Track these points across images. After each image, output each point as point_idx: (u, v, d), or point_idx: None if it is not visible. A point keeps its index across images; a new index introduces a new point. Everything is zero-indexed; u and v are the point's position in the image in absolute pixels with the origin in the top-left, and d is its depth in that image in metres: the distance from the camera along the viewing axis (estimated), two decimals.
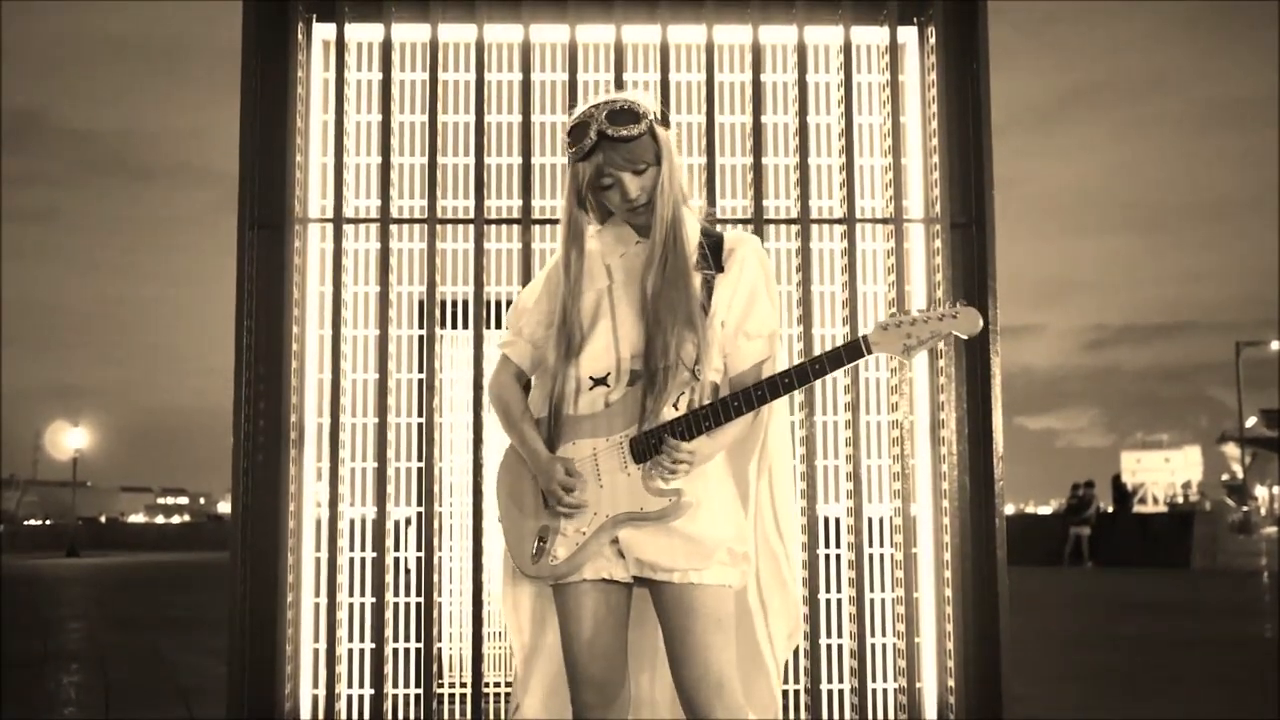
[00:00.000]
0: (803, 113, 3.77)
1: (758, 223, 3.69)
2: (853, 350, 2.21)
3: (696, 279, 2.24)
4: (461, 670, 4.02)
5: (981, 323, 2.20)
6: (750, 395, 2.19)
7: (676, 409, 2.22)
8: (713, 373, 2.27)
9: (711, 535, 2.20)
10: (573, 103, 3.71)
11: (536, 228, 3.71)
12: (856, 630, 3.61)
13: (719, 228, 2.40)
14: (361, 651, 3.72)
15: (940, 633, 3.62)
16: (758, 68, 3.76)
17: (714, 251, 2.29)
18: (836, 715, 3.68)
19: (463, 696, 3.74)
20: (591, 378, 2.26)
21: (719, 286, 2.27)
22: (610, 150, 2.20)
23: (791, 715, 3.62)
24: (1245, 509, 24.88)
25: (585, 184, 2.25)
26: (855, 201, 3.75)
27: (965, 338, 2.22)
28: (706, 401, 2.23)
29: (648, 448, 2.19)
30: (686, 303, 2.21)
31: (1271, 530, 21.66)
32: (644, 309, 2.23)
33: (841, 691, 3.70)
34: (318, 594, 3.63)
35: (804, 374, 2.20)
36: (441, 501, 3.94)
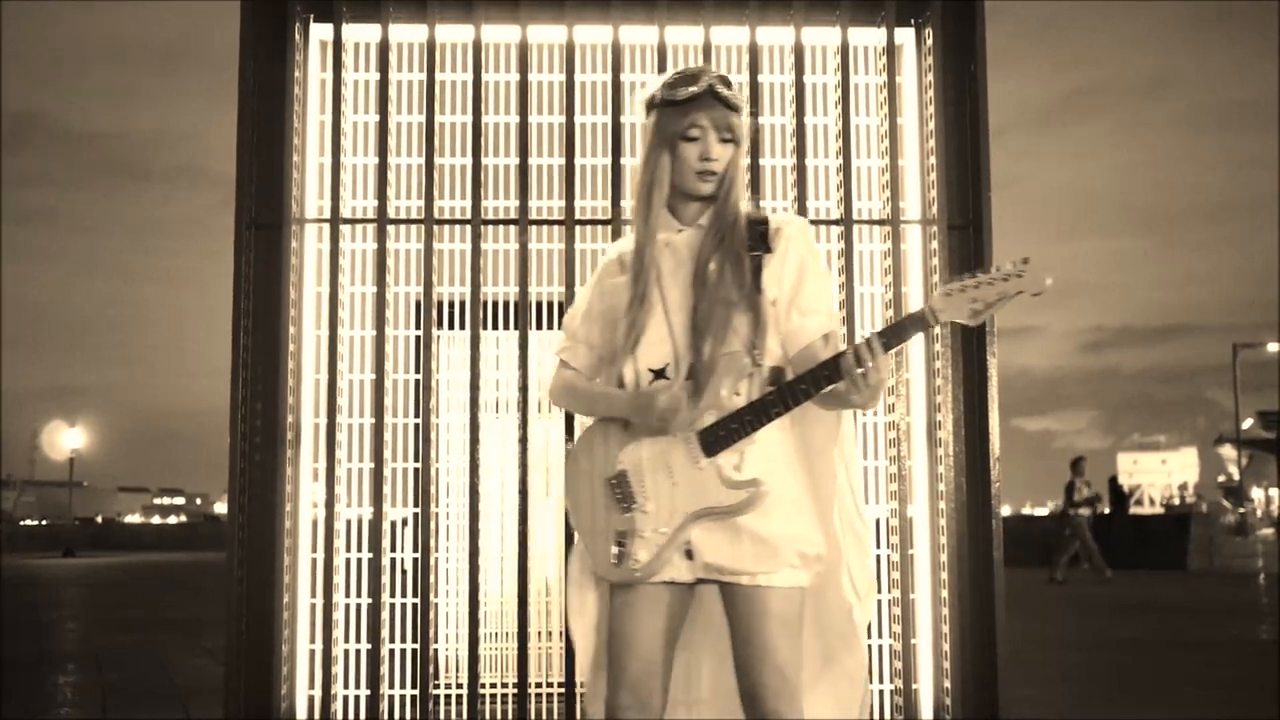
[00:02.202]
0: (800, 114, 3.77)
1: None
2: (917, 320, 2.12)
3: (748, 261, 2.23)
4: (458, 671, 4.01)
5: (1049, 280, 2.06)
6: (818, 375, 2.12)
7: (739, 396, 2.17)
8: (769, 357, 2.22)
9: (783, 535, 2.16)
10: (570, 104, 3.71)
11: (533, 228, 3.71)
12: None
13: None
14: (358, 652, 3.72)
15: (937, 634, 3.62)
16: (755, 69, 3.76)
17: (761, 234, 2.27)
18: None
19: (459, 697, 3.74)
20: (650, 370, 2.23)
21: (767, 266, 2.24)
22: (711, 108, 2.22)
23: None
24: (1242, 511, 24.87)
25: (678, 132, 2.22)
26: (852, 203, 3.75)
27: (1034, 296, 2.07)
28: (768, 387, 2.19)
29: (716, 440, 2.15)
30: (741, 280, 2.19)
31: (1268, 532, 21.66)
32: (697, 289, 2.20)
33: None
34: (314, 594, 3.63)
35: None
36: (438, 502, 3.93)
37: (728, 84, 2.26)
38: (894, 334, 2.13)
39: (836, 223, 3.77)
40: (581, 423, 2.94)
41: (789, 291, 2.24)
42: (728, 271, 2.20)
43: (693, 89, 2.22)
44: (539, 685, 3.93)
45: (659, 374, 2.22)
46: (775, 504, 2.16)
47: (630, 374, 2.24)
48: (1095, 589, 13.77)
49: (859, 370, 2.08)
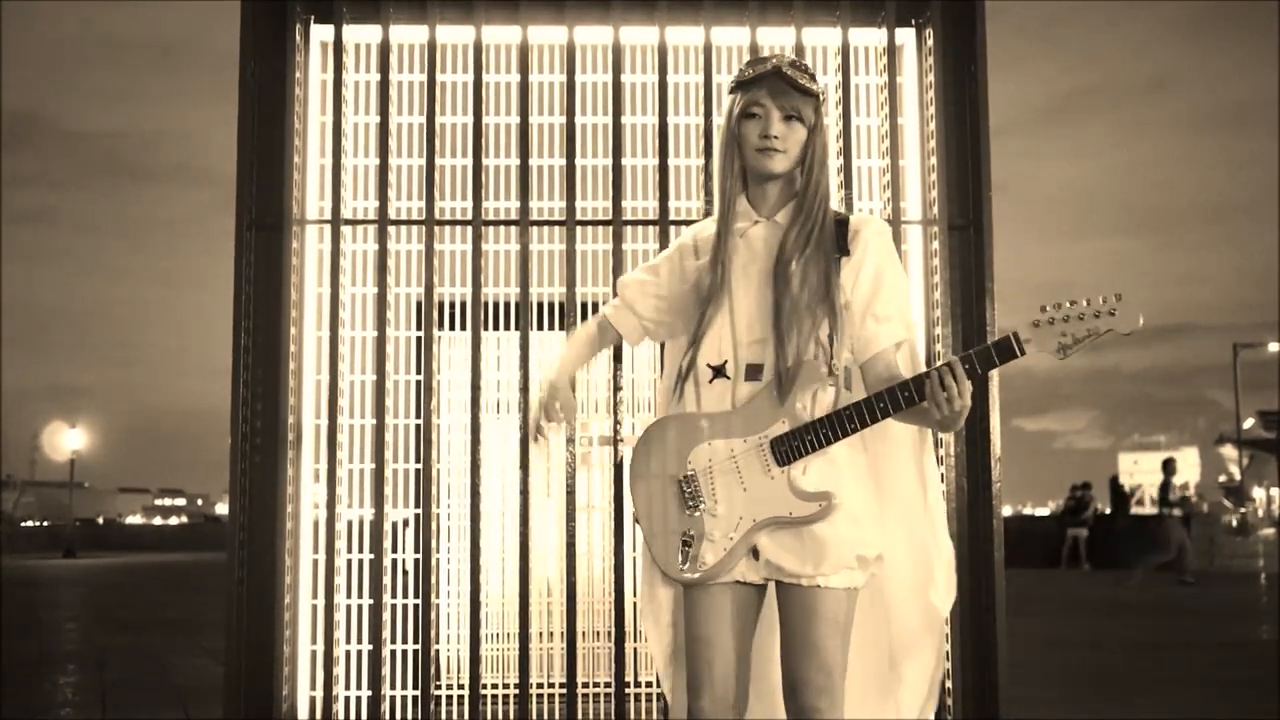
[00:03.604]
0: None
1: None
2: (1004, 349, 2.05)
3: (832, 264, 2.18)
4: (459, 672, 4.02)
5: (1142, 320, 1.99)
6: (897, 395, 2.09)
7: (811, 405, 2.15)
8: (841, 363, 2.19)
9: (842, 539, 2.14)
10: (570, 104, 3.71)
11: (534, 229, 3.71)
12: None
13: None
14: (359, 653, 3.72)
15: None
16: None
17: (839, 234, 2.22)
18: None
19: (460, 698, 3.74)
20: (710, 365, 2.21)
21: (844, 269, 2.20)
22: (774, 88, 2.19)
23: None
24: (1242, 510, 24.89)
25: (737, 112, 2.22)
26: (853, 203, 3.75)
27: (1126, 334, 2.00)
28: (840, 393, 2.16)
29: (790, 450, 2.13)
30: (824, 284, 2.16)
31: (1269, 532, 21.66)
32: (778, 289, 2.16)
33: None
34: (315, 595, 3.63)
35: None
36: (439, 503, 3.93)
37: (800, 69, 2.22)
38: (979, 359, 2.07)
39: None
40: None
41: (864, 296, 2.20)
42: (811, 274, 2.16)
43: (757, 69, 2.21)
44: (540, 686, 3.94)
45: (718, 371, 2.21)
46: (841, 511, 2.14)
47: (690, 369, 2.23)
48: (1092, 589, 13.77)
49: (942, 394, 2.05)
